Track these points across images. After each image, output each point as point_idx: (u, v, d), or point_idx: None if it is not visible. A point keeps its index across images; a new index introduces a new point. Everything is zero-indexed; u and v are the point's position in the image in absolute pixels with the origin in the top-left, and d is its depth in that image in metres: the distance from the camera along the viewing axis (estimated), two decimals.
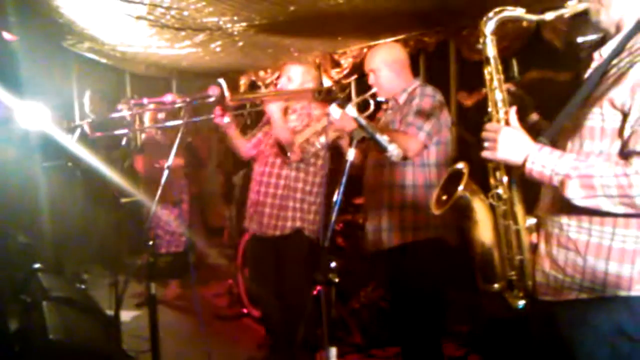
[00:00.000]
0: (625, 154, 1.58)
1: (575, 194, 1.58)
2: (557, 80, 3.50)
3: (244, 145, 3.73)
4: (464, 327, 4.09)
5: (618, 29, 1.69)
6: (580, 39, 3.59)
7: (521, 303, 1.84)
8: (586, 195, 1.57)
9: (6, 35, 4.89)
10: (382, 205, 2.99)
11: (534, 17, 1.74)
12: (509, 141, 1.68)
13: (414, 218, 2.93)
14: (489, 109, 1.78)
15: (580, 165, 1.58)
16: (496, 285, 1.86)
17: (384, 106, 3.17)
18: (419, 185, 2.93)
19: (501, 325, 3.49)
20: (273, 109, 3.39)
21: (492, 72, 1.76)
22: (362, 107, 3.06)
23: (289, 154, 3.37)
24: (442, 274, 3.00)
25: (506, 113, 1.75)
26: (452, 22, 4.36)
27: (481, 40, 1.76)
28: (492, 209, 1.81)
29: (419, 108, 2.89)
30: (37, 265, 3.83)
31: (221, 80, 3.21)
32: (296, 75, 3.56)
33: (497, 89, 1.76)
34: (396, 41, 4.79)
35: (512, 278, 1.83)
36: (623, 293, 1.62)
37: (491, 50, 1.76)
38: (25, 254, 4.46)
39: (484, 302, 1.91)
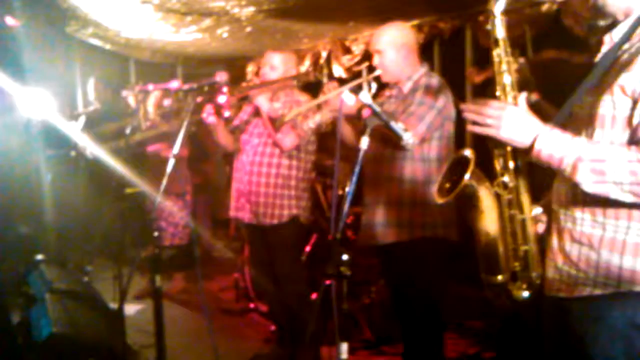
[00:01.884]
0: (634, 142, 1.52)
1: (585, 178, 1.51)
2: (571, 62, 3.41)
3: (229, 139, 3.70)
4: (477, 323, 4.01)
5: (626, 15, 1.62)
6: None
7: (525, 294, 1.77)
8: (596, 181, 1.51)
9: (9, 21, 4.81)
10: (379, 200, 2.92)
11: None
12: (515, 120, 1.60)
13: (411, 215, 2.85)
14: (497, 93, 1.70)
15: (593, 149, 1.52)
16: (499, 277, 1.78)
17: (387, 92, 3.07)
18: (419, 181, 2.84)
19: (515, 321, 3.43)
20: (261, 102, 3.41)
21: (501, 55, 1.69)
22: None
23: (285, 144, 3.39)
24: (438, 273, 2.94)
25: (515, 97, 1.68)
26: (468, 7, 4.25)
27: (490, 21, 1.69)
28: (498, 197, 1.75)
29: (422, 99, 2.79)
30: (39, 257, 3.79)
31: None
32: (278, 63, 3.54)
33: (505, 72, 1.69)
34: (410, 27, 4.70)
35: (516, 269, 1.77)
36: (638, 288, 1.57)
37: (500, 32, 1.69)
38: (28, 245, 4.41)
39: (487, 294, 1.83)
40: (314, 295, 3.69)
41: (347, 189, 2.02)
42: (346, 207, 2.00)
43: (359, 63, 5.19)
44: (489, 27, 1.69)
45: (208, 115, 3.37)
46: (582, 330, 1.67)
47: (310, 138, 3.50)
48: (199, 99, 3.11)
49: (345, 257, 1.89)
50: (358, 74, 5.35)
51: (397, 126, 2.11)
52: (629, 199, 1.50)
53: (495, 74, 1.71)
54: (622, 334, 1.60)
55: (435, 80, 2.89)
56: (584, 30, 3.69)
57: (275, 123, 3.33)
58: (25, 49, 4.70)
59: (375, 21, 4.75)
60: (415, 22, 4.65)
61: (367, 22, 4.86)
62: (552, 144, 1.56)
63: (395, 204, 2.86)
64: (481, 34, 4.22)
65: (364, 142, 2.03)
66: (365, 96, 2.09)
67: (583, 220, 1.64)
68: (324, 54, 5.56)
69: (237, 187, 3.66)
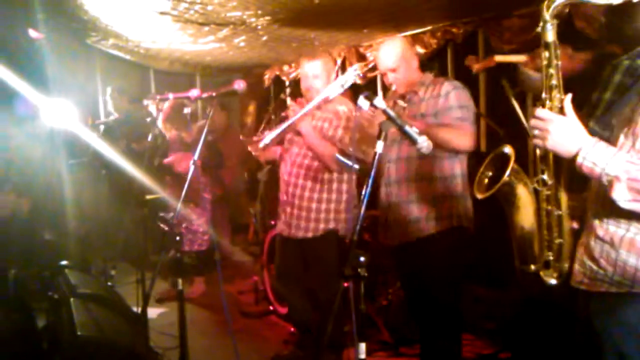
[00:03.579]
0: None
1: (621, 196, 1.55)
2: (575, 58, 3.41)
3: (272, 152, 3.72)
4: (492, 324, 4.01)
5: None
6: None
7: (553, 281, 1.86)
8: (632, 199, 1.55)
9: (33, 33, 4.92)
10: (412, 197, 3.00)
11: (601, 1, 1.64)
12: (562, 132, 1.64)
13: (441, 208, 2.97)
14: (543, 95, 1.74)
15: (631, 168, 1.54)
16: (533, 267, 1.88)
17: (399, 101, 3.12)
18: (447, 176, 2.97)
19: (530, 321, 3.44)
20: (306, 128, 3.38)
21: (551, 58, 1.73)
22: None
23: (332, 165, 3.36)
24: (466, 262, 3.07)
25: (561, 101, 1.71)
26: (481, 13, 4.25)
27: (541, 25, 1.72)
28: (535, 193, 1.83)
29: (461, 102, 2.92)
30: (64, 262, 3.84)
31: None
32: (320, 71, 3.48)
33: (553, 76, 1.73)
34: (423, 32, 4.72)
35: (549, 259, 1.85)
36: None
37: (551, 36, 1.72)
38: (52, 251, 4.49)
39: (519, 279, 1.91)
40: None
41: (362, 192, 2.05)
42: (362, 209, 2.03)
43: (373, 69, 5.24)
44: (538, 30, 1.72)
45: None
46: (599, 325, 1.74)
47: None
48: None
49: (362, 258, 1.89)
50: (373, 80, 5.42)
51: (412, 130, 2.12)
52: None
53: (543, 76, 1.75)
54: (637, 332, 1.65)
55: (457, 82, 3.04)
56: (597, 33, 3.69)
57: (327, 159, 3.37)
58: (48, 60, 4.79)
59: (388, 28, 4.79)
60: (429, 27, 4.67)
61: (380, 29, 4.88)
62: (594, 158, 1.59)
63: (428, 199, 2.97)
64: (493, 38, 4.23)
65: (379, 146, 2.04)
66: (380, 101, 2.13)
67: (608, 220, 1.69)
68: (338, 61, 5.59)
69: (279, 197, 3.63)
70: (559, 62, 1.72)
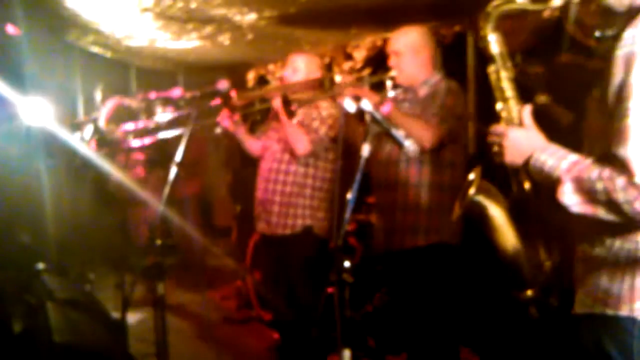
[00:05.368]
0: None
1: (569, 200, 1.44)
2: (586, 67, 3.41)
3: (255, 144, 3.67)
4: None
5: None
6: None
7: (554, 308, 1.77)
8: (580, 201, 1.43)
9: (10, 29, 4.82)
10: (395, 205, 2.92)
11: (539, 7, 1.61)
12: (515, 144, 1.61)
13: (428, 220, 2.87)
14: (499, 106, 1.72)
15: (576, 168, 1.44)
16: (529, 292, 1.78)
17: (400, 96, 3.08)
18: (433, 186, 2.86)
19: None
20: (279, 105, 3.34)
21: (499, 70, 1.71)
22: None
23: (298, 148, 3.31)
24: (453, 278, 2.95)
25: (519, 111, 1.67)
26: (469, 13, 4.22)
27: (481, 36, 1.71)
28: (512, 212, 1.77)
29: (444, 103, 2.83)
30: (40, 266, 3.77)
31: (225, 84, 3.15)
32: (301, 66, 3.51)
33: (505, 88, 1.70)
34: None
35: (543, 284, 1.77)
36: (610, 312, 1.48)
37: (495, 47, 1.71)
38: (29, 254, 4.39)
39: (516, 307, 1.85)
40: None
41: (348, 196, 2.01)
42: (348, 213, 1.99)
43: (360, 70, 5.19)
44: (481, 44, 1.72)
45: (223, 119, 3.42)
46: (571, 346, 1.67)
47: (328, 145, 3.41)
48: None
49: (347, 264, 1.89)
50: (359, 81, 5.33)
51: (398, 133, 2.13)
52: (613, 218, 1.40)
53: (494, 89, 1.73)
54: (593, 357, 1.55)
55: (454, 85, 2.95)
56: (586, 38, 3.66)
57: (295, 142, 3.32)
58: (26, 57, 4.70)
59: (377, 28, 4.75)
60: None
61: (368, 29, 4.84)
62: (540, 162, 1.53)
63: (412, 209, 2.87)
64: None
65: (365, 150, 2.04)
66: (366, 103, 2.11)
67: (585, 237, 1.57)
68: (325, 61, 5.54)
69: (257, 195, 3.60)
70: (510, 74, 1.71)
